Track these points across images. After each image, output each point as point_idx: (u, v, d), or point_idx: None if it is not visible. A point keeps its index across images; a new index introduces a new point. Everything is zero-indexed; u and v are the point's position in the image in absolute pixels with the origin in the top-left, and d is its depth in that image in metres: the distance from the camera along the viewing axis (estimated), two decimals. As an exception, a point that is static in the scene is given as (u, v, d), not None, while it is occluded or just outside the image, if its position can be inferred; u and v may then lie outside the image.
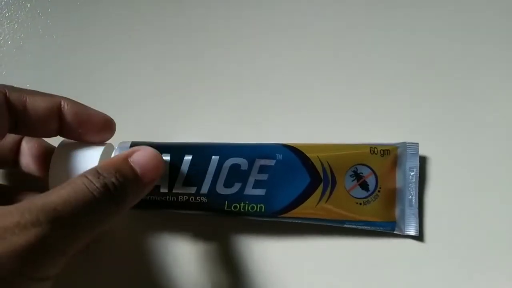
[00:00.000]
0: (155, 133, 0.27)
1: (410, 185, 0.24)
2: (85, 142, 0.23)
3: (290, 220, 0.23)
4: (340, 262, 0.25)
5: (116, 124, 0.28)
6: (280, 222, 0.23)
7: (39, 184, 0.24)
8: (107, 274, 0.25)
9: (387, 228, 0.24)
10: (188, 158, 0.23)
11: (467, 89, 0.27)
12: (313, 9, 0.29)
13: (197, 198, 0.23)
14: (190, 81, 0.28)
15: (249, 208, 0.23)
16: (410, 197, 0.24)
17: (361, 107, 0.27)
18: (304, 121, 0.27)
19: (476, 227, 0.24)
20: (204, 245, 0.25)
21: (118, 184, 0.19)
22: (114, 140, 0.24)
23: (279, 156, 0.23)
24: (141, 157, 0.20)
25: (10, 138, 0.24)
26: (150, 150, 0.21)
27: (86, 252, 0.25)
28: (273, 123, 0.27)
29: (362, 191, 0.24)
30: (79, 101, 0.23)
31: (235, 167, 0.23)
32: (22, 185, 0.26)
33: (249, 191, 0.23)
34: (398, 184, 0.24)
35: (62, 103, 0.22)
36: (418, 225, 0.24)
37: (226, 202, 0.23)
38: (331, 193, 0.23)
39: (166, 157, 0.22)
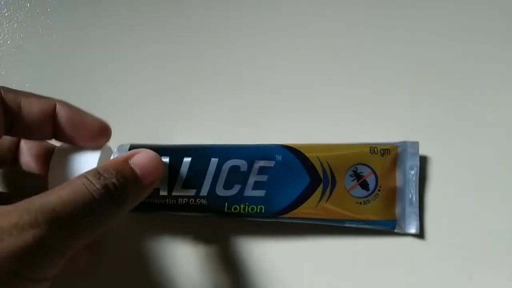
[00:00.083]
0: (155, 133, 0.27)
1: (410, 183, 0.24)
2: (79, 147, 0.23)
3: (290, 221, 0.23)
4: (341, 262, 0.25)
5: (116, 124, 0.28)
6: (280, 223, 0.23)
7: (39, 183, 0.24)
8: (107, 277, 0.25)
9: (387, 227, 0.24)
10: (187, 160, 0.23)
11: (467, 89, 0.27)
12: (313, 9, 0.29)
13: (197, 201, 0.23)
14: (190, 81, 0.28)
15: (249, 209, 0.23)
16: (410, 196, 0.24)
17: (361, 107, 0.27)
18: (304, 121, 0.27)
19: (476, 225, 0.24)
20: (205, 247, 0.25)
21: (119, 185, 0.18)
22: (114, 140, 0.24)
23: (279, 157, 0.23)
24: (141, 159, 0.20)
25: (8, 137, 0.24)
26: (150, 152, 0.21)
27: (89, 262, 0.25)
28: (273, 123, 0.27)
29: (362, 191, 0.24)
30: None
31: (234, 169, 0.23)
32: (22, 183, 0.26)
33: (249, 192, 0.23)
34: (398, 183, 0.24)
35: (57, 106, 0.22)
36: (418, 223, 0.24)
37: (226, 204, 0.23)
38: (331, 193, 0.23)
39: (165, 160, 0.22)
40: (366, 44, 0.28)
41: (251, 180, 0.23)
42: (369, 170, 0.24)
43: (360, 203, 0.23)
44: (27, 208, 0.16)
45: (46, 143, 0.24)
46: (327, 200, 0.23)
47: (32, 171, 0.24)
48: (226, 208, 0.23)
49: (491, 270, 0.24)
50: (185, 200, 0.23)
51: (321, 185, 0.23)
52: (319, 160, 0.23)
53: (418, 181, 0.24)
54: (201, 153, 0.23)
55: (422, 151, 0.25)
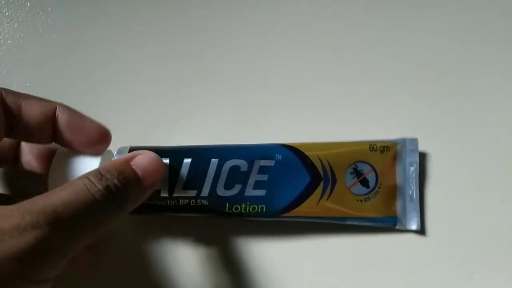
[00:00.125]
0: (155, 133, 0.27)
1: (410, 180, 0.24)
2: (78, 152, 0.22)
3: (291, 220, 0.23)
4: (342, 260, 0.25)
5: (116, 123, 0.28)
6: (282, 222, 0.24)
7: (39, 182, 0.24)
8: (109, 279, 0.25)
9: (388, 223, 0.24)
10: (187, 161, 0.23)
11: (467, 89, 0.27)
12: (313, 9, 0.29)
13: (198, 201, 0.23)
14: (190, 81, 0.28)
15: (250, 209, 0.23)
16: (410, 192, 0.24)
17: (361, 107, 0.27)
18: (304, 121, 0.27)
19: (477, 222, 0.25)
20: (206, 248, 0.25)
21: (120, 186, 0.19)
22: (114, 140, 0.24)
23: (279, 156, 0.23)
24: (143, 161, 0.20)
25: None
26: (151, 154, 0.21)
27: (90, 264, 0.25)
28: (273, 123, 0.27)
29: (363, 188, 0.24)
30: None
31: (234, 169, 0.23)
32: (22, 183, 0.26)
33: (250, 192, 0.23)
34: (398, 179, 0.24)
35: (57, 109, 0.21)
36: (419, 219, 0.24)
37: (227, 204, 0.23)
38: (331, 191, 0.23)
39: (166, 161, 0.23)
40: (366, 44, 0.28)
41: (252, 179, 0.23)
42: (369, 167, 0.24)
43: (361, 200, 0.24)
44: (29, 209, 0.16)
45: None
46: (327, 198, 0.23)
47: (33, 170, 0.24)
48: (227, 208, 0.23)
49: (492, 263, 0.24)
50: (186, 201, 0.23)
51: (322, 183, 0.23)
52: (319, 159, 0.23)
53: (418, 177, 0.24)
54: (201, 153, 0.23)
55: (423, 150, 0.25)
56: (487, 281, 0.24)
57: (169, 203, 0.23)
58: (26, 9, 0.31)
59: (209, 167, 0.23)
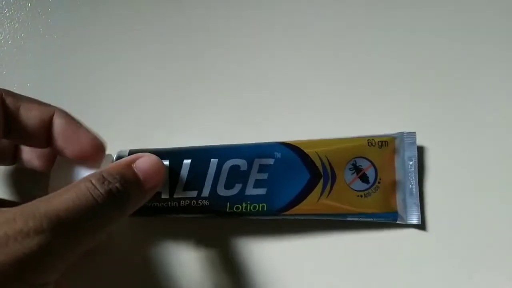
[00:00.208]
0: (155, 133, 0.27)
1: (409, 174, 0.24)
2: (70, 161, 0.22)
3: (292, 217, 0.23)
4: (344, 257, 0.25)
5: (116, 123, 0.28)
6: (282, 220, 0.24)
7: (39, 181, 0.24)
8: (110, 280, 0.25)
9: (389, 218, 0.24)
10: (187, 162, 0.23)
11: (467, 89, 0.27)
12: (313, 9, 0.29)
13: (199, 202, 0.23)
14: (190, 81, 0.28)
15: (251, 208, 0.23)
16: (410, 187, 0.24)
17: (362, 108, 0.27)
18: (304, 121, 0.27)
19: (477, 216, 0.24)
20: (207, 248, 0.25)
21: (122, 189, 0.19)
22: (114, 139, 0.24)
23: (278, 155, 0.23)
24: (144, 164, 0.20)
25: None
26: (152, 156, 0.21)
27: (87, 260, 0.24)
28: (273, 123, 0.27)
29: (363, 184, 0.24)
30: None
31: (234, 168, 0.23)
32: (23, 183, 0.26)
33: (250, 191, 0.23)
34: (398, 174, 0.24)
35: (54, 115, 0.21)
36: (420, 213, 0.24)
37: (228, 204, 0.23)
38: (331, 187, 0.23)
39: (165, 163, 0.23)
40: (366, 44, 0.28)
41: (252, 178, 0.23)
42: (368, 163, 0.24)
43: (361, 196, 0.24)
44: (32, 214, 0.16)
45: None
46: (328, 195, 0.23)
47: (34, 169, 0.24)
48: (228, 208, 0.23)
49: (493, 256, 0.24)
50: (187, 202, 0.23)
51: (321, 181, 0.23)
52: (318, 156, 0.23)
53: (417, 171, 0.24)
54: (200, 154, 0.23)
55: (422, 151, 0.25)
56: (491, 271, 0.24)
57: (170, 204, 0.23)
58: (27, 9, 0.31)
59: (209, 167, 0.23)
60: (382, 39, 0.28)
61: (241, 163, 0.23)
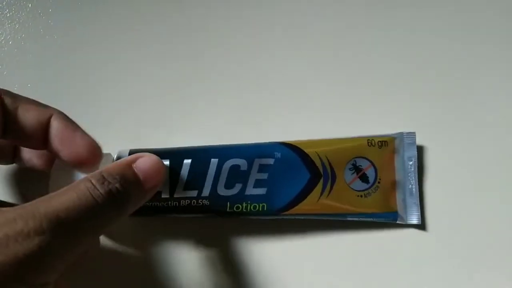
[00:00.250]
0: (155, 133, 0.27)
1: (409, 174, 0.24)
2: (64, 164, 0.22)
3: (292, 217, 0.23)
4: (344, 256, 0.25)
5: (116, 123, 0.28)
6: (282, 220, 0.24)
7: (39, 181, 0.24)
8: (110, 281, 0.25)
9: (389, 218, 0.24)
10: (187, 162, 0.23)
11: (467, 89, 0.27)
12: (313, 9, 0.29)
13: (199, 201, 0.23)
14: (190, 81, 0.28)
15: (251, 207, 0.23)
16: (410, 187, 0.24)
17: (362, 108, 0.27)
18: (305, 121, 0.27)
19: (477, 216, 0.24)
20: (207, 248, 0.25)
21: (122, 189, 0.19)
22: (114, 139, 0.24)
23: (278, 155, 0.23)
24: (144, 164, 0.20)
25: None
26: (152, 156, 0.21)
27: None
28: (273, 123, 0.27)
29: (362, 184, 0.24)
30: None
31: (235, 168, 0.23)
32: (22, 180, 0.27)
33: (250, 191, 0.23)
34: (398, 174, 0.24)
35: (52, 117, 0.21)
36: (420, 213, 0.24)
37: (228, 204, 0.23)
38: (331, 187, 0.23)
39: (166, 162, 0.23)
40: (366, 44, 0.28)
41: (252, 178, 0.23)
42: (368, 162, 0.24)
43: (361, 196, 0.24)
44: (32, 214, 0.16)
45: None
46: (328, 195, 0.23)
47: (35, 167, 0.24)
48: (228, 208, 0.23)
49: (494, 254, 0.24)
50: (187, 201, 0.23)
51: (321, 180, 0.23)
52: (318, 155, 0.23)
53: (417, 171, 0.24)
54: (201, 154, 0.23)
55: (423, 148, 0.25)
56: (492, 270, 0.24)
57: (170, 204, 0.23)
58: (27, 10, 0.31)
59: (209, 167, 0.23)
60: (382, 39, 0.28)
61: (241, 163, 0.23)
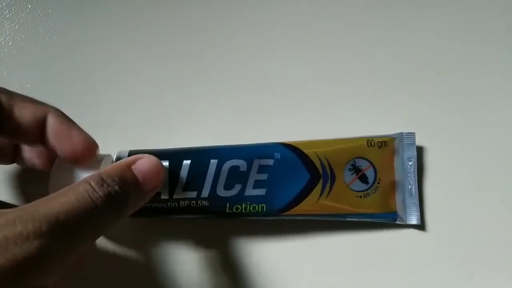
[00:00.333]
0: (155, 133, 0.27)
1: (409, 175, 0.24)
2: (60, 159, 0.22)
3: (291, 218, 0.23)
4: (343, 257, 0.25)
5: (116, 123, 0.28)
6: (282, 221, 0.24)
7: (38, 180, 0.24)
8: (110, 282, 0.25)
9: (388, 219, 0.24)
10: (186, 163, 0.23)
11: (467, 89, 0.27)
12: (313, 9, 0.29)
13: (198, 202, 0.23)
14: (190, 81, 0.28)
15: (251, 208, 0.23)
16: (409, 187, 0.24)
17: (361, 107, 0.27)
18: (305, 121, 0.27)
19: (476, 216, 0.25)
20: (207, 248, 0.25)
21: (121, 192, 0.19)
22: (115, 139, 0.24)
23: (277, 155, 0.23)
24: (144, 165, 0.20)
25: None
26: (152, 158, 0.21)
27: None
28: (273, 123, 0.27)
29: (362, 184, 0.24)
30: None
31: (234, 169, 0.23)
32: (22, 179, 0.27)
33: (250, 191, 0.23)
34: (397, 174, 0.24)
35: (48, 114, 0.21)
36: (419, 214, 0.24)
37: (228, 204, 0.23)
38: (331, 188, 0.23)
39: (165, 163, 0.23)
40: (366, 44, 0.28)
41: (251, 179, 0.23)
42: (368, 163, 0.24)
43: (360, 196, 0.24)
44: (32, 217, 0.16)
45: None
46: (327, 196, 0.23)
47: (35, 167, 0.24)
48: (227, 209, 0.23)
49: (493, 253, 0.24)
50: (187, 202, 0.23)
51: (321, 181, 0.23)
52: (318, 156, 0.23)
53: (416, 172, 0.24)
54: (200, 155, 0.23)
55: (422, 148, 0.25)
56: (491, 269, 0.24)
57: (170, 205, 0.23)
58: (27, 11, 0.31)
59: (208, 168, 0.23)
60: (382, 39, 0.28)
61: (241, 163, 0.23)
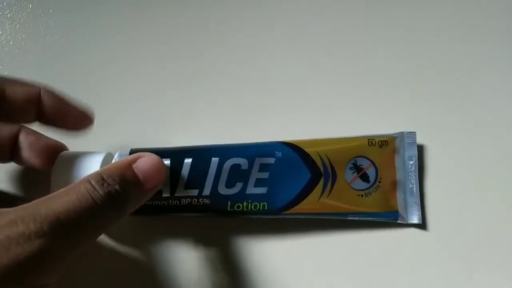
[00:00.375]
0: (155, 133, 0.27)
1: (410, 174, 0.24)
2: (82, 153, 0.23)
3: (293, 217, 0.23)
4: (344, 256, 0.24)
5: (116, 123, 0.28)
6: (283, 219, 0.23)
7: (38, 180, 0.24)
8: (110, 280, 0.25)
9: (390, 218, 0.24)
10: (188, 161, 0.23)
11: (467, 89, 0.27)
12: (313, 9, 0.29)
13: (200, 200, 0.23)
14: (190, 81, 0.28)
15: (252, 207, 0.23)
16: (410, 186, 0.24)
17: (361, 107, 0.27)
18: (305, 121, 0.27)
19: (477, 215, 0.24)
20: (208, 247, 0.25)
21: (122, 191, 0.19)
22: (115, 140, 0.24)
23: (279, 154, 0.23)
24: (144, 164, 0.20)
25: (5, 132, 0.24)
26: (153, 156, 0.21)
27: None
28: (273, 123, 0.27)
29: (363, 183, 0.24)
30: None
31: (235, 167, 0.23)
32: (22, 179, 0.27)
33: (251, 190, 0.23)
34: (398, 173, 0.24)
35: (41, 92, 0.22)
36: (420, 213, 0.24)
37: (229, 203, 0.23)
38: (332, 187, 0.23)
39: (166, 162, 0.23)
40: (366, 44, 0.28)
41: (253, 177, 0.23)
42: (369, 162, 0.24)
43: (361, 195, 0.24)
44: (33, 217, 0.16)
45: (46, 138, 0.24)
46: (328, 194, 0.23)
47: (33, 166, 0.24)
48: (229, 207, 0.23)
49: (491, 269, 0.24)
50: (188, 200, 0.23)
51: (322, 180, 0.23)
52: (319, 155, 0.23)
53: (417, 171, 0.24)
54: (201, 153, 0.23)
55: (423, 147, 0.25)
56: (492, 268, 0.24)
57: (171, 203, 0.23)
58: (28, 10, 0.31)
59: (210, 166, 0.23)
60: (382, 39, 0.28)
61: (242, 162, 0.23)
